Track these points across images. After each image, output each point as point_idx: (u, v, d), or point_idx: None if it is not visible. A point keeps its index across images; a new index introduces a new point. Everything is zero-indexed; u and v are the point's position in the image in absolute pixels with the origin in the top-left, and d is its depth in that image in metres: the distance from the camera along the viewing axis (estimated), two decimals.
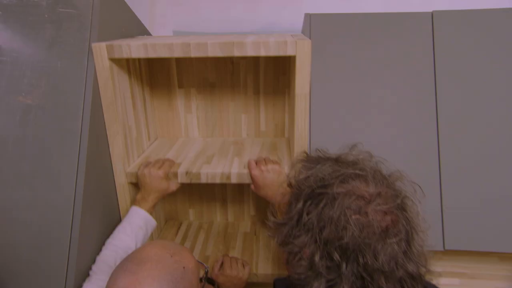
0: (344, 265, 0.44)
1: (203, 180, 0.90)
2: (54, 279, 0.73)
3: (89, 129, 0.78)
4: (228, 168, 0.92)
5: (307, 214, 0.48)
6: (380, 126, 0.95)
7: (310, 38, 0.90)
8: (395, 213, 0.47)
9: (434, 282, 0.54)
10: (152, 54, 0.79)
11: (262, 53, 0.77)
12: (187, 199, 1.28)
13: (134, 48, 0.79)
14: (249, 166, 0.88)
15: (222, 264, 0.93)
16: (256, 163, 0.88)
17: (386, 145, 0.94)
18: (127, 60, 0.94)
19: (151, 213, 0.87)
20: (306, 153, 0.67)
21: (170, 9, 1.24)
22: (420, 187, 0.52)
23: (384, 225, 0.45)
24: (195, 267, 0.57)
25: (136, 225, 0.83)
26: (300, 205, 0.50)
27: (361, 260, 0.44)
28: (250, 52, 0.77)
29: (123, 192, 0.93)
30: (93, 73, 0.80)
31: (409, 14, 0.97)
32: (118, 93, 0.87)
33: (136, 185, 0.94)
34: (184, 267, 0.54)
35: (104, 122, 0.86)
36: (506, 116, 0.92)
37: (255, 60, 1.08)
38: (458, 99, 0.93)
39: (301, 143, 0.87)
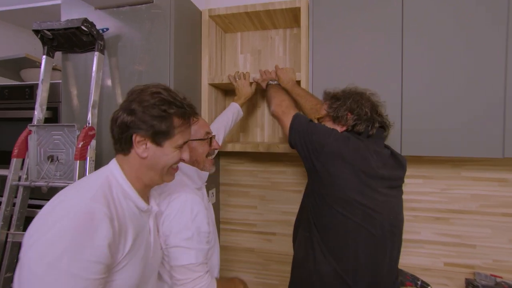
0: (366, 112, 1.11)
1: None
2: None
3: (174, 79, 1.37)
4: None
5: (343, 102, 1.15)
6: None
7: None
8: (371, 95, 1.17)
9: None
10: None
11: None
12: None
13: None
14: (276, 68, 1.51)
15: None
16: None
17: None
18: (214, 16, 1.62)
19: (241, 107, 1.57)
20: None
21: None
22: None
23: (370, 97, 1.16)
24: None
25: (234, 109, 1.53)
26: (342, 101, 1.16)
27: (363, 109, 1.11)
28: None
29: (205, 89, 1.62)
30: (173, 51, 1.36)
31: None
32: (210, 37, 1.63)
33: (211, 85, 1.65)
34: None
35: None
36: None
37: None
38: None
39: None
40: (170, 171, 0.88)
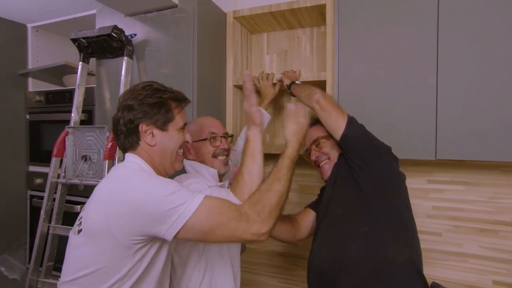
0: None
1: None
2: None
3: (197, 81, 1.39)
4: None
5: None
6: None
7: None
8: None
9: None
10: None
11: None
12: None
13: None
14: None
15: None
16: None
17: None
18: (239, 18, 1.61)
19: (266, 109, 1.50)
20: None
21: None
22: None
23: None
24: None
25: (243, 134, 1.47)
26: None
27: None
28: None
29: (230, 91, 1.63)
30: (197, 51, 1.38)
31: None
32: (235, 38, 1.63)
33: (235, 87, 1.64)
34: None
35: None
36: None
37: None
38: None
39: None
40: (178, 158, 0.95)
